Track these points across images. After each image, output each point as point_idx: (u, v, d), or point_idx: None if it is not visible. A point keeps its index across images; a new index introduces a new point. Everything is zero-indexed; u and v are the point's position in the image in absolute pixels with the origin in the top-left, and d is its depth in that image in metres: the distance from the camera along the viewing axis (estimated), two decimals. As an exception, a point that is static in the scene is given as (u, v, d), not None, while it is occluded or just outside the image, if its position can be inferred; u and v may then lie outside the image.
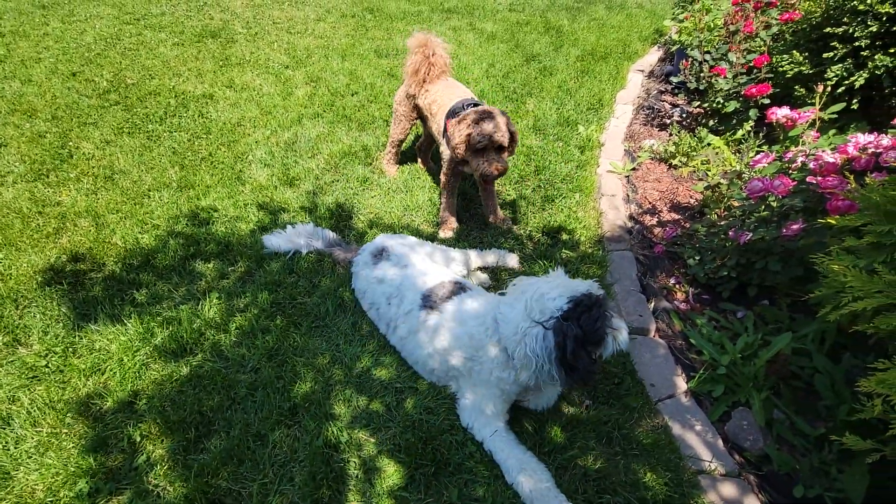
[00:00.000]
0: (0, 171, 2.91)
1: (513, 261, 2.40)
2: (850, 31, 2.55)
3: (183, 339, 1.98)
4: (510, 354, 1.53)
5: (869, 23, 2.48)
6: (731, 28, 3.28)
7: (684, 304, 2.21)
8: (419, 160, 3.22)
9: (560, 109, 3.78)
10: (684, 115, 3.64)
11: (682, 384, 1.87)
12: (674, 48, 4.26)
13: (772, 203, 1.97)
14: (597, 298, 1.44)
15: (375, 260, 2.06)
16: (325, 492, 1.54)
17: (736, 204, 2.39)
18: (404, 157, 3.26)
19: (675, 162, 3.13)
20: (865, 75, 2.49)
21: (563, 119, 3.65)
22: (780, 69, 2.90)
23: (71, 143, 3.21)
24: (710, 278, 2.21)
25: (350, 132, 3.51)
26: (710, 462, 1.62)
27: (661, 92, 4.09)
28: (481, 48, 4.82)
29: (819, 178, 1.80)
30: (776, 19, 3.15)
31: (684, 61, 3.56)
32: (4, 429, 1.67)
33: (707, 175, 2.85)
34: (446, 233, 2.62)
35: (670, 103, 3.89)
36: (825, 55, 2.68)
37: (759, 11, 3.23)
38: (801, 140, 2.20)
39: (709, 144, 3.12)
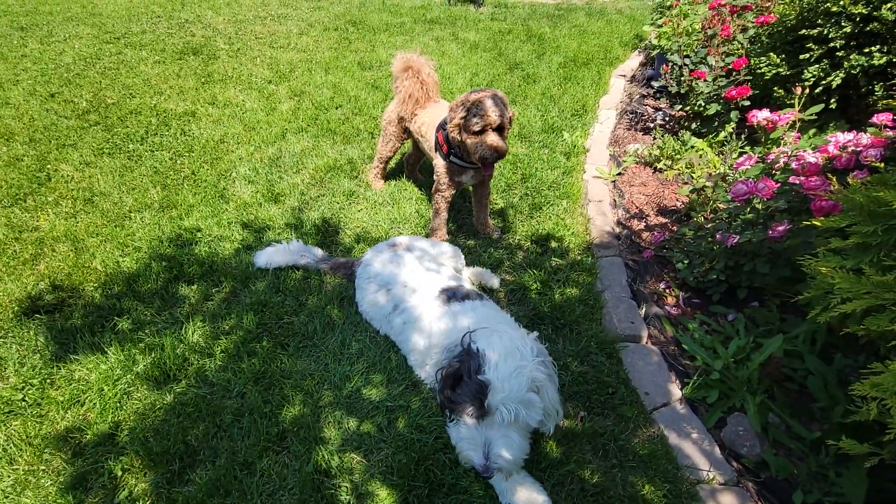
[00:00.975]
0: (-25, 197, 2.84)
1: (495, 282, 2.32)
2: (825, 32, 2.59)
3: (166, 366, 1.92)
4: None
5: (843, 24, 2.52)
6: (709, 32, 3.33)
7: (675, 309, 2.20)
8: (406, 173, 3.20)
9: (545, 116, 3.80)
10: (667, 119, 3.67)
11: (676, 391, 1.86)
12: (654, 53, 4.31)
13: (757, 205, 1.98)
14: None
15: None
16: (315, 520, 1.49)
17: (722, 206, 2.40)
18: (390, 171, 3.24)
19: (660, 165, 3.14)
20: (842, 75, 2.52)
21: (547, 126, 3.67)
22: (759, 71, 2.93)
23: (49, 166, 3.14)
24: (699, 282, 2.20)
25: (335, 146, 3.48)
26: (709, 471, 1.60)
27: (644, 96, 4.12)
28: (464, 58, 4.84)
29: (802, 179, 1.81)
30: (752, 23, 3.20)
31: (664, 66, 3.60)
32: (-22, 469, 1.60)
33: (692, 178, 2.87)
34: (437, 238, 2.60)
35: (653, 107, 3.92)
36: (802, 56, 2.72)
37: (735, 15, 3.28)
38: (782, 141, 2.22)
39: (692, 147, 3.14)
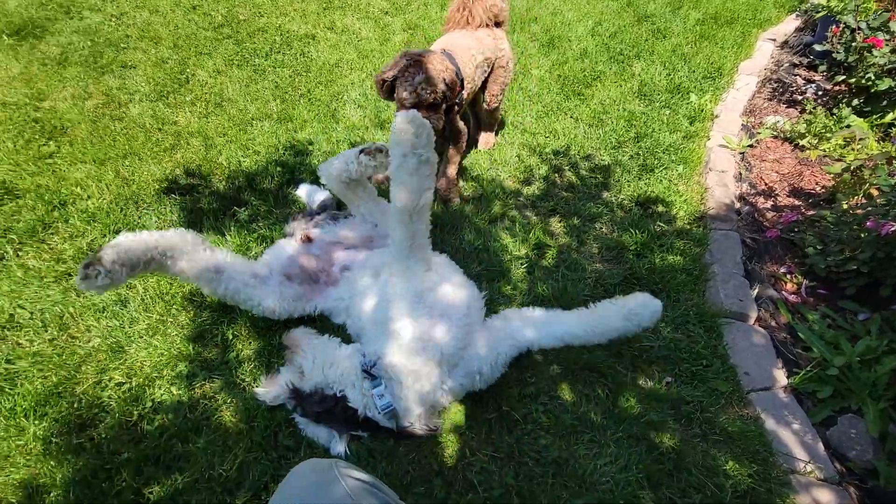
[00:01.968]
0: (129, 89, 3.20)
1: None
2: None
3: (274, 256, 2.09)
4: None
5: None
6: (902, -10, 2.75)
7: (794, 296, 1.97)
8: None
9: (671, 75, 3.45)
10: (820, 93, 3.17)
11: (781, 378, 1.69)
12: (818, 15, 3.68)
13: (935, 190, 1.67)
14: None
15: None
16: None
17: (876, 192, 2.07)
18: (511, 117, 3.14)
19: (803, 143, 2.75)
20: None
21: (673, 86, 3.33)
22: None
23: (188, 70, 3.44)
24: (831, 272, 1.94)
25: (442, 81, 3.44)
26: (808, 463, 1.46)
27: (795, 65, 3.58)
28: (588, 4, 4.48)
29: None
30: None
31: (833, 27, 3.07)
32: (122, 309, 1.88)
33: (843, 159, 2.48)
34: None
35: (804, 78, 3.40)
36: None
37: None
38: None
39: (848, 126, 2.70)
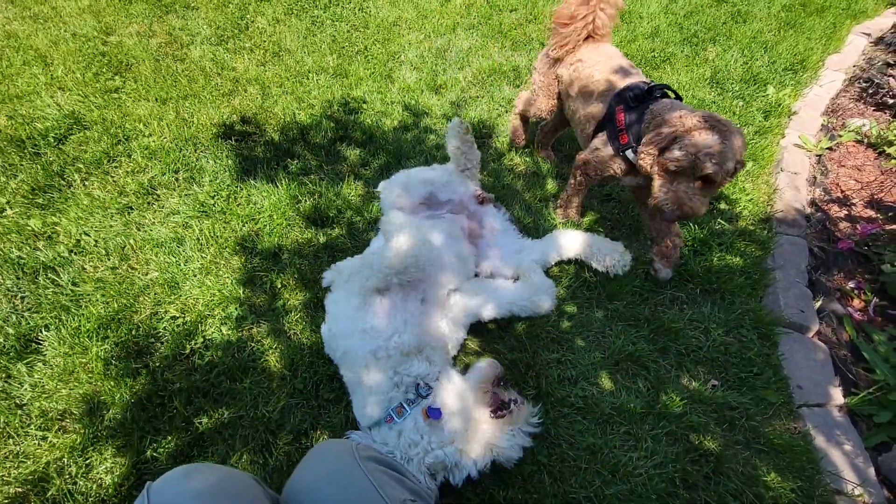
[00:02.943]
0: (191, 30, 3.22)
1: (546, 305, 1.73)
2: None
3: (323, 211, 2.10)
4: None
5: None
6: None
7: (860, 314, 1.86)
8: (538, 146, 2.51)
9: (748, 63, 3.21)
10: (916, 98, 2.89)
11: (837, 396, 1.61)
12: (927, 10, 3.33)
13: None
14: None
15: None
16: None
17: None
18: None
19: (890, 151, 2.53)
20: None
21: (749, 75, 3.10)
22: None
23: (248, 16, 3.42)
24: (907, 292, 1.82)
25: (503, 50, 3.32)
26: (856, 486, 1.41)
27: (889, 64, 3.27)
28: (665, -20, 4.17)
29: None
30: None
31: (946, 26, 2.76)
32: (179, 247, 1.94)
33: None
34: (564, 215, 2.16)
35: (898, 80, 3.11)
36: None
37: None
38: None
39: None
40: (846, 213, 2.26)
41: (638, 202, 1.97)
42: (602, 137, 1.80)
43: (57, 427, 1.46)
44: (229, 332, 1.69)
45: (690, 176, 1.47)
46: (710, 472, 1.44)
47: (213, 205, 2.12)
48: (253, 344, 1.67)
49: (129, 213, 2.07)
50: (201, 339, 1.67)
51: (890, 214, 2.23)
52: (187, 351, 1.64)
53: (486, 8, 3.74)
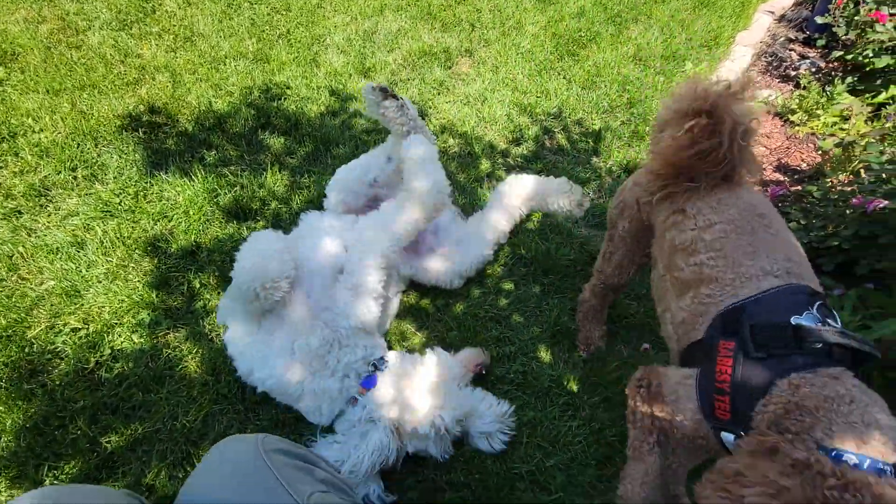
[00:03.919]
0: (88, 15, 2.91)
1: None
2: None
3: (245, 203, 1.97)
4: None
5: None
6: (911, -36, 2.68)
7: (773, 270, 1.98)
8: (580, 317, 1.69)
9: (668, 42, 3.34)
10: (815, 69, 3.12)
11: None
12: (821, -12, 3.59)
13: (924, 168, 1.66)
14: None
15: None
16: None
17: (865, 170, 2.06)
18: (483, 63, 2.99)
19: (793, 119, 2.72)
20: None
21: (669, 52, 3.23)
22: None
23: (155, -1, 3.14)
24: (812, 247, 1.95)
25: (432, 31, 3.25)
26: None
27: (791, 40, 3.51)
28: (589, -39, 4.26)
29: None
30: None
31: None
32: (78, 252, 1.75)
33: (834, 135, 2.46)
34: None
35: (799, 53, 3.35)
36: None
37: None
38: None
39: (838, 104, 2.68)
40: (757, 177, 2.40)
41: None
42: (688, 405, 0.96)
43: (-67, 465, 1.27)
44: (141, 340, 1.55)
45: None
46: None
47: (119, 203, 1.93)
48: (169, 350, 1.54)
49: (17, 217, 1.84)
50: (108, 351, 1.52)
51: (795, 177, 2.39)
52: (91, 365, 1.48)
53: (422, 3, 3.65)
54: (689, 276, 1.03)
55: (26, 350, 1.49)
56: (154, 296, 1.65)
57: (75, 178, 2.00)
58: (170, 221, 1.89)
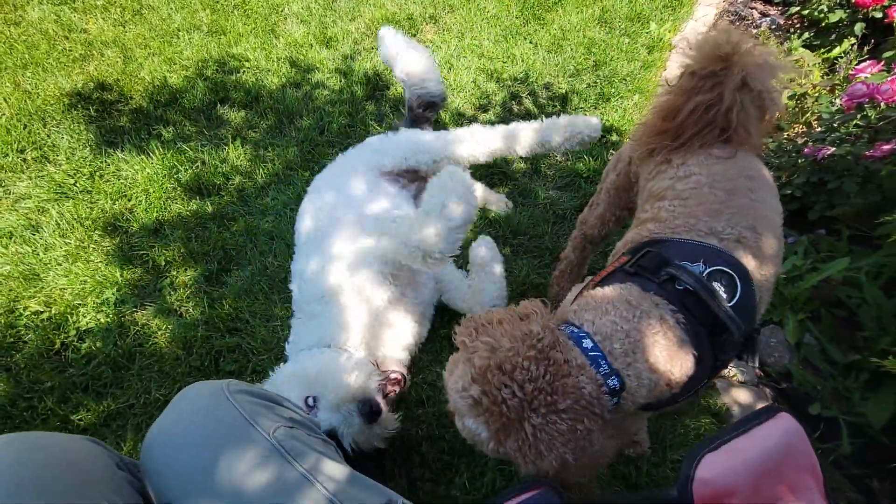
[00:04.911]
0: (25, -11, 2.73)
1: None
2: None
3: (208, 180, 1.93)
4: None
5: None
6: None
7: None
8: (557, 283, 1.66)
9: (632, 3, 3.33)
10: (774, 26, 3.17)
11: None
12: (780, -55, 3.61)
13: (869, 113, 1.72)
14: None
15: None
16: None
17: (816, 124, 2.14)
18: (446, 29, 2.94)
19: (753, 75, 2.77)
20: None
21: (634, 13, 3.23)
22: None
23: (97, -30, 2.96)
24: (768, 198, 2.03)
25: (395, -2, 3.17)
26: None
27: (752, -2, 3.55)
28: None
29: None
30: None
31: (793, -44, 3.02)
32: (34, 235, 1.70)
33: (789, 87, 2.53)
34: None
35: (760, 11, 3.39)
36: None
37: None
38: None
39: (796, 60, 2.73)
40: (720, 134, 2.46)
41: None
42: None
43: None
44: (107, 319, 1.53)
45: None
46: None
47: (74, 184, 1.87)
48: (137, 328, 1.52)
49: (-36, 202, 1.76)
50: (73, 331, 1.49)
51: (755, 132, 2.46)
52: (57, 346, 1.46)
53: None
54: (646, 216, 1.00)
55: (-14, 336, 1.46)
56: (118, 275, 1.62)
57: (24, 160, 1.92)
58: (129, 201, 1.84)
